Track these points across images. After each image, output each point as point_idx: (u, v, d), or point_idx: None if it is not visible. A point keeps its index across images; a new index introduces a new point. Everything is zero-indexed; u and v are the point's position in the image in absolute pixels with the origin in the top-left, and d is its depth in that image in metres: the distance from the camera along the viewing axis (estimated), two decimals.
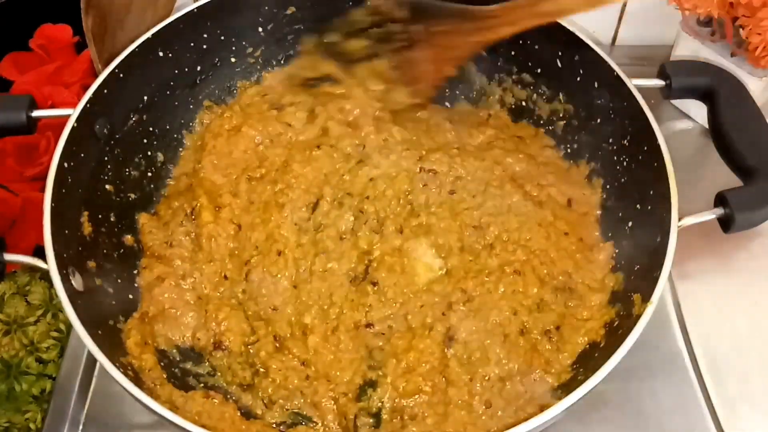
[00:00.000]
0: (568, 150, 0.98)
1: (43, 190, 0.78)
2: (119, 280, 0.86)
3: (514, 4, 0.86)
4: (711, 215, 0.81)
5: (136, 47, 0.90)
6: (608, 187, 0.92)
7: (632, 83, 0.87)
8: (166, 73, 0.96)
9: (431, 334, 0.83)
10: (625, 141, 0.89)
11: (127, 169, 0.92)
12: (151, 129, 0.96)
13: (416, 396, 0.80)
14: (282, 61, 1.05)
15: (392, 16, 0.94)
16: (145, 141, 0.96)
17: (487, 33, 0.89)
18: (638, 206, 0.86)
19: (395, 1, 0.93)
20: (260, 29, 1.02)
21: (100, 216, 0.87)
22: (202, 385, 0.82)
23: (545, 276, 0.87)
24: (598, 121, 0.93)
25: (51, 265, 0.73)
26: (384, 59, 0.96)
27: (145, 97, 0.94)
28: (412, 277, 0.88)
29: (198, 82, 1.00)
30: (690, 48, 1.05)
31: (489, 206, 0.92)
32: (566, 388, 0.77)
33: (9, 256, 0.77)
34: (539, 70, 0.99)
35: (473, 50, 0.94)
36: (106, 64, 0.88)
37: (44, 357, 0.87)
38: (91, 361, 0.86)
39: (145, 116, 0.95)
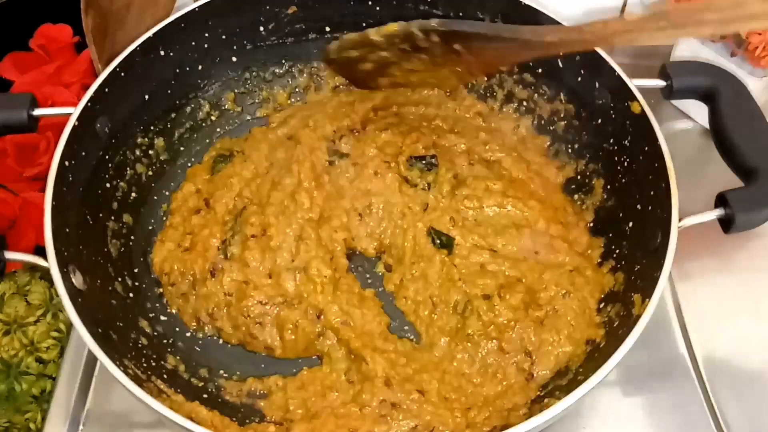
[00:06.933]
0: (569, 150, 0.98)
1: (43, 190, 0.78)
2: (119, 279, 0.86)
3: (579, 34, 0.76)
4: (711, 216, 0.81)
5: (138, 46, 0.90)
6: (608, 187, 0.92)
7: (633, 83, 0.87)
8: (168, 72, 0.96)
9: None
10: (626, 141, 0.89)
11: (128, 168, 0.92)
12: (152, 128, 0.96)
13: None
14: (283, 61, 1.05)
15: (416, 44, 0.81)
16: (146, 140, 0.96)
17: (536, 53, 0.82)
18: (638, 206, 0.86)
19: (420, 29, 0.80)
20: (261, 28, 1.02)
21: (100, 215, 0.87)
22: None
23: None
24: (599, 121, 0.93)
25: (51, 263, 0.73)
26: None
27: (146, 96, 0.94)
28: None
29: (199, 81, 1.00)
30: (690, 48, 1.06)
31: None
32: (566, 388, 0.77)
33: (10, 254, 0.77)
34: (540, 70, 0.99)
35: (515, 63, 0.94)
36: (106, 64, 0.89)
37: (44, 357, 0.87)
38: (91, 361, 0.86)
39: (146, 115, 0.95)
